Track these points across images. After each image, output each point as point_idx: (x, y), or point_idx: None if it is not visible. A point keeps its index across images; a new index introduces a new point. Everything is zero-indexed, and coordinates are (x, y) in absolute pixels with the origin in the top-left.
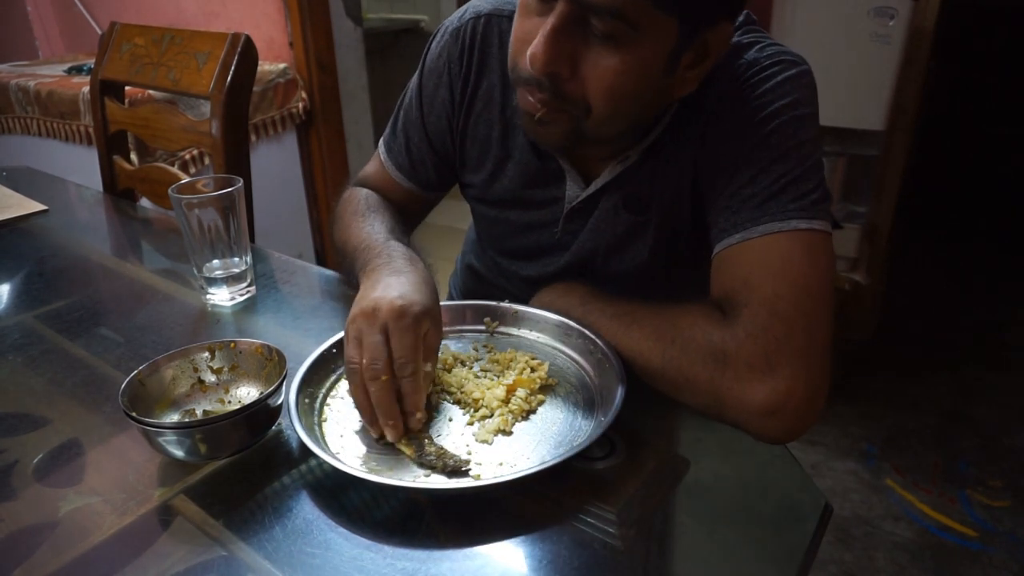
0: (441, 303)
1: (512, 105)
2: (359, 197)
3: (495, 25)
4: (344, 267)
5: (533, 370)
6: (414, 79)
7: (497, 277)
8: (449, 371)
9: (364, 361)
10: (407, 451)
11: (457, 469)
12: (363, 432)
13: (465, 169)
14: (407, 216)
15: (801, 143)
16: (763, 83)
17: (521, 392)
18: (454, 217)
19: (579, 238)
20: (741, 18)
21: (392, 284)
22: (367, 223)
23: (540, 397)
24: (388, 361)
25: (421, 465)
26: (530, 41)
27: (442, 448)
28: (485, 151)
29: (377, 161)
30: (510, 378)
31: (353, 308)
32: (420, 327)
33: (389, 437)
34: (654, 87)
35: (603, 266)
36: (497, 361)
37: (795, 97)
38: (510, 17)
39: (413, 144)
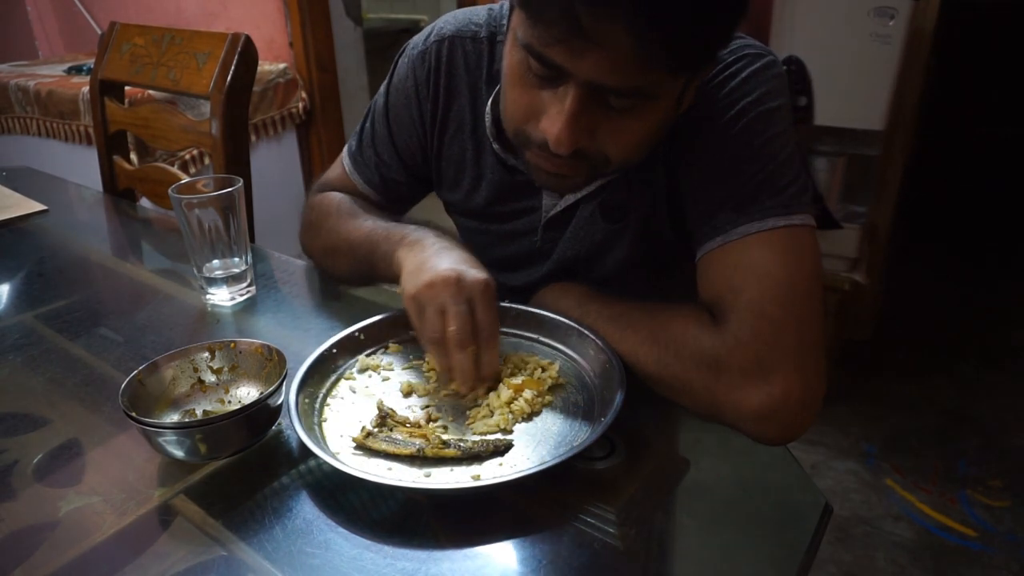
0: None
1: (482, 126)
2: (338, 200)
3: (459, 47)
4: (344, 265)
5: (544, 369)
6: (381, 98)
7: None
8: None
9: (452, 329)
10: (451, 453)
11: (505, 447)
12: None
13: (443, 188)
14: None
15: (771, 138)
16: (728, 81)
17: (528, 393)
18: None
19: (559, 246)
20: None
21: (457, 257)
22: (368, 219)
23: (548, 398)
24: (472, 330)
25: (466, 459)
26: (536, 112)
27: (478, 440)
28: (460, 171)
29: (342, 172)
30: (519, 379)
31: (422, 276)
32: (496, 301)
33: (464, 391)
34: (667, 123)
35: (585, 272)
36: (511, 361)
37: (762, 92)
38: (473, 38)
39: (383, 162)
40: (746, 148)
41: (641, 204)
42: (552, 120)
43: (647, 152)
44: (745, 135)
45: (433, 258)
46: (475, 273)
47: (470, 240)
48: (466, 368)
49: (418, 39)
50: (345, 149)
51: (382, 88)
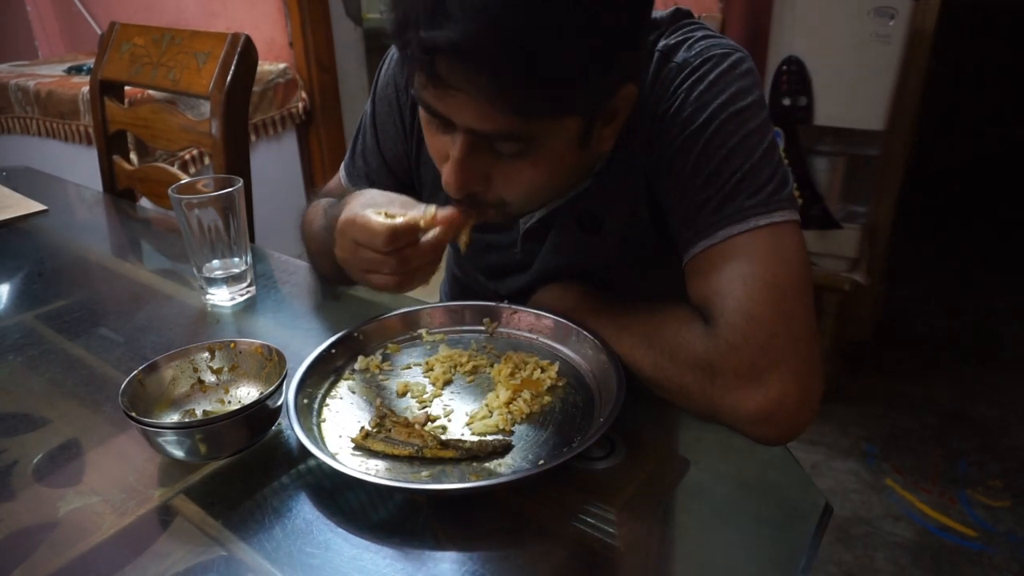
0: (440, 304)
1: None
2: (319, 203)
3: None
4: (325, 264)
5: (543, 370)
6: (368, 106)
7: (480, 289)
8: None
9: (382, 269)
10: (449, 454)
11: (504, 447)
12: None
13: (424, 193)
14: None
15: (745, 137)
16: (696, 85)
17: (527, 394)
18: None
19: (539, 257)
20: (667, 16)
21: (353, 208)
22: (325, 211)
23: (547, 398)
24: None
25: (465, 460)
26: (444, 156)
27: (477, 441)
28: (439, 177)
29: (338, 183)
30: (518, 379)
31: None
32: (377, 219)
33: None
34: (571, 165)
35: (569, 280)
36: (511, 361)
37: (731, 92)
38: None
39: (372, 170)
40: (721, 150)
41: (620, 213)
42: (446, 165)
43: (554, 195)
44: (719, 137)
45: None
46: (343, 224)
47: (456, 248)
48: (427, 251)
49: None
50: (343, 161)
51: (368, 100)
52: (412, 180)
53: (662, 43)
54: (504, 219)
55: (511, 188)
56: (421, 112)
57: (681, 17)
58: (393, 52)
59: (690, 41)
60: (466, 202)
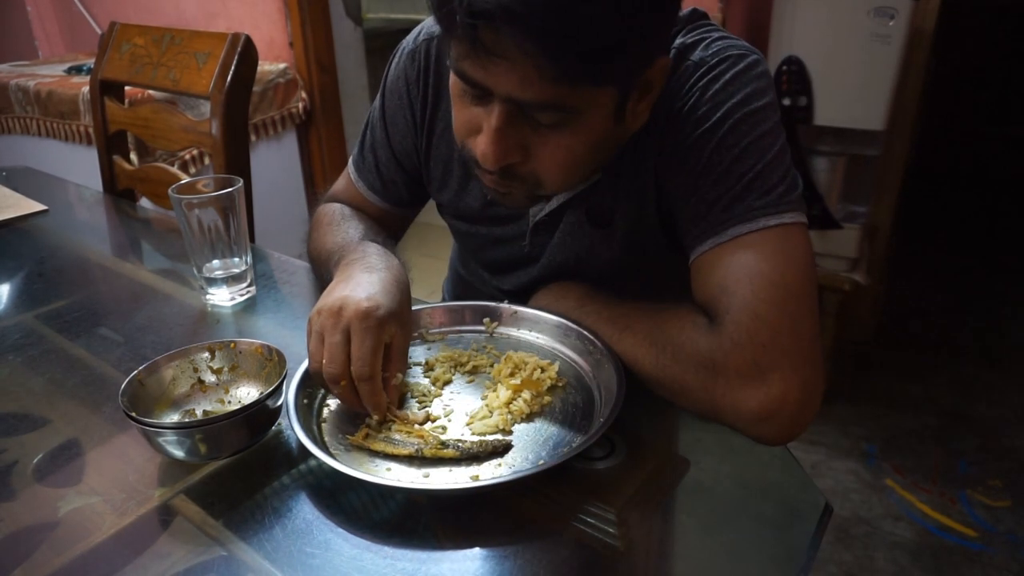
0: (440, 304)
1: None
2: (333, 210)
3: None
4: (321, 275)
5: (543, 370)
6: (377, 100)
7: (483, 285)
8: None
9: (324, 361)
10: (449, 454)
11: (504, 447)
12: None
13: (432, 187)
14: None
15: (759, 138)
16: (712, 84)
17: (527, 394)
18: None
19: (547, 251)
20: (686, 14)
21: (362, 282)
22: (342, 229)
23: (547, 398)
24: (347, 363)
25: (464, 459)
26: (475, 128)
27: (477, 441)
28: (448, 170)
29: (347, 180)
30: (518, 379)
31: (319, 301)
32: (383, 331)
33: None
34: (607, 140)
35: (575, 275)
36: (510, 361)
37: (746, 92)
38: None
39: (382, 164)
40: (733, 149)
41: (629, 209)
42: (482, 136)
43: (586, 173)
44: (732, 137)
45: (342, 283)
46: (361, 302)
47: (462, 243)
48: (345, 399)
49: (409, 38)
50: (350, 158)
51: (378, 95)
52: (420, 174)
53: (678, 41)
54: (533, 202)
55: (548, 161)
56: (453, 85)
57: (698, 17)
58: (404, 46)
59: (707, 41)
60: (501, 175)
